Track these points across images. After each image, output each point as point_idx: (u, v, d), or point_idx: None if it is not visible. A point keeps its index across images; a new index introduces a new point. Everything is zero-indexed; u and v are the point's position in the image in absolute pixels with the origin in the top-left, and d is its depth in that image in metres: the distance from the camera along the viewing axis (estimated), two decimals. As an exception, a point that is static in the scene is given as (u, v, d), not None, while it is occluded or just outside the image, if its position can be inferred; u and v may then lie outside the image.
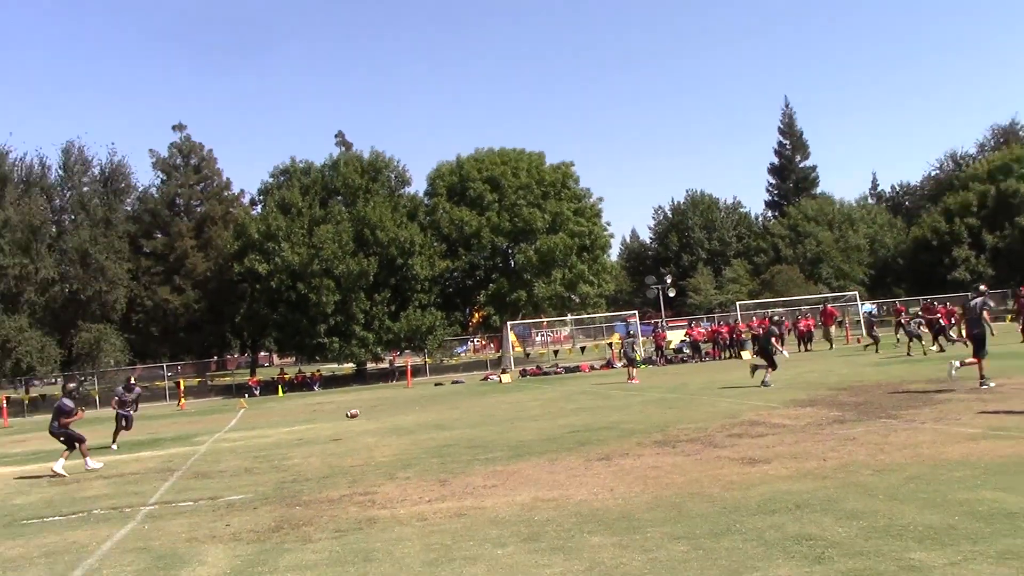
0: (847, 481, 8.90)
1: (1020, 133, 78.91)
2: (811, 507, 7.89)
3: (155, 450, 19.25)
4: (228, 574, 7.34)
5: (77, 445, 16.40)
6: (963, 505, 7.47)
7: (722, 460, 10.90)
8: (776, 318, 27.49)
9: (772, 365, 21.99)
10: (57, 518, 11.05)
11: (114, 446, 20.58)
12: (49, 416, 16.96)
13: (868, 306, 47.84)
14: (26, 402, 47.94)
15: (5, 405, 43.32)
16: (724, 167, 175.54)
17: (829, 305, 43.97)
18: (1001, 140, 79.00)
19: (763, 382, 21.28)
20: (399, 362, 53.53)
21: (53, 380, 54.55)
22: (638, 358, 36.01)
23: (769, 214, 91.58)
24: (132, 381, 23.65)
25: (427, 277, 51.55)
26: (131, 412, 21.65)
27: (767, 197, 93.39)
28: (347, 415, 23.75)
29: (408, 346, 53.50)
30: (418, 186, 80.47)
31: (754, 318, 44.20)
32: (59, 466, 15.79)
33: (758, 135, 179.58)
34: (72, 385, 18.66)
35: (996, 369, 18.27)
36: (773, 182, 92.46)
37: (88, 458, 16.50)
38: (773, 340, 22.92)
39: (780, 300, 55.04)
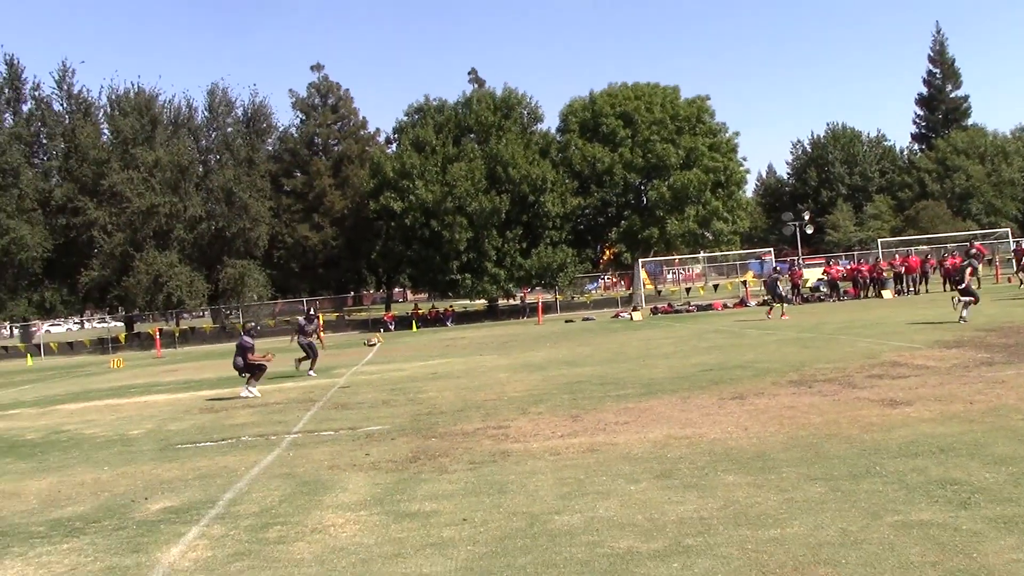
0: (996, 425, 8.55)
1: None
2: (956, 451, 7.63)
3: (297, 381, 20.01)
4: (368, 501, 7.60)
5: (258, 374, 17.67)
6: (1124, 453, 7.09)
7: (861, 401, 10.62)
8: (972, 251, 26.29)
9: (975, 298, 21.13)
10: (208, 444, 11.65)
11: (312, 372, 21.52)
12: (200, 347, 18.01)
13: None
14: (177, 334, 50.51)
15: (158, 337, 45.75)
16: (867, 99, 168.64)
17: (977, 243, 41.95)
18: None
19: (961, 318, 20.38)
20: (530, 299, 53.90)
21: (201, 313, 57.24)
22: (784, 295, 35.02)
23: (915, 147, 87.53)
24: (312, 312, 24.39)
25: (559, 214, 51.48)
26: (313, 341, 22.11)
27: (913, 129, 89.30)
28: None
29: (539, 283, 53.75)
30: (550, 123, 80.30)
31: (896, 256, 42.56)
32: (253, 390, 17.35)
33: (905, 64, 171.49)
34: (251, 324, 19.83)
35: None
36: (921, 113, 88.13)
37: (249, 386, 17.45)
38: (968, 273, 21.95)
39: (925, 237, 52.85)
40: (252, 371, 17.62)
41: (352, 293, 66.69)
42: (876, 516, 5.96)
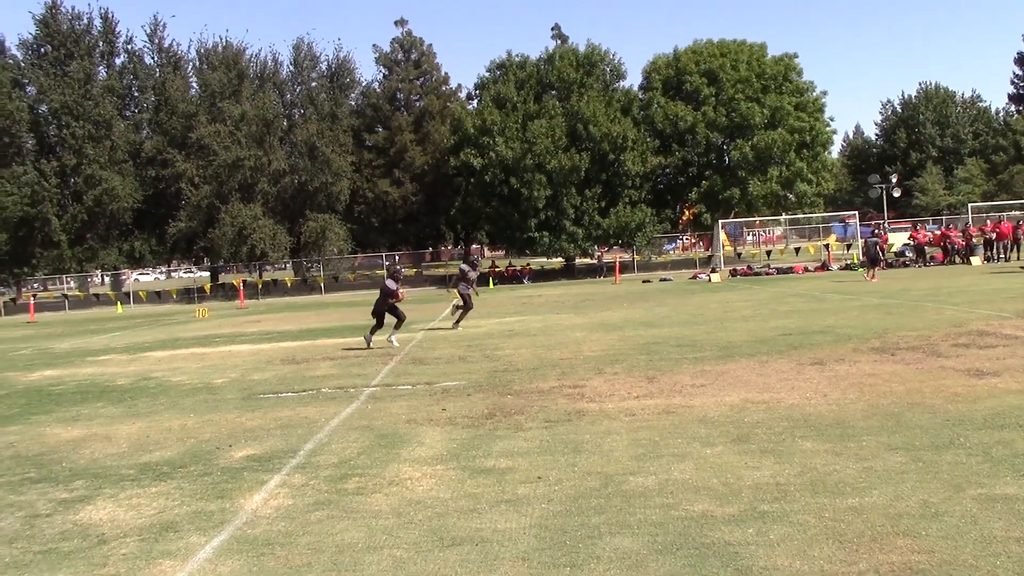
0: (1088, 399, 8.30)
1: None
2: (1045, 425, 7.43)
3: (376, 335, 20.28)
4: (445, 456, 7.71)
5: (400, 321, 17.97)
6: None
7: (946, 370, 10.38)
8: None
9: None
10: (290, 394, 11.92)
11: (459, 326, 20.65)
12: (282, 299, 18.35)
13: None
14: (259, 286, 51.59)
15: (242, 288, 46.78)
16: (963, 58, 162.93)
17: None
18: None
19: None
20: (607, 258, 53.66)
21: (283, 265, 58.32)
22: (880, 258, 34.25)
23: (1012, 109, 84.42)
24: (477, 258, 24.37)
25: (638, 173, 51.01)
26: (469, 290, 21.07)
27: (1011, 90, 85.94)
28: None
29: (616, 242, 53.45)
30: (633, 80, 79.51)
31: (988, 221, 41.25)
32: (394, 338, 17.68)
33: (1004, 21, 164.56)
34: (398, 267, 20.30)
35: None
36: (1019, 73, 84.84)
37: (395, 335, 17.81)
38: None
39: (1018, 203, 51.08)
40: (397, 316, 17.80)
41: (430, 249, 67.19)
42: (959, 488, 5.85)
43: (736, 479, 6.39)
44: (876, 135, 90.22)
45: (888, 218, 55.12)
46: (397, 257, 57.56)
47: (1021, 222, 39.78)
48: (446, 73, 64.27)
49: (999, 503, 5.51)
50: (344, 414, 10.02)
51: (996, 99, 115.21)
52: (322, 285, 51.74)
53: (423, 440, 8.40)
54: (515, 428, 8.67)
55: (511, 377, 12.13)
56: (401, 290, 18.21)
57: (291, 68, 57.83)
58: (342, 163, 53.15)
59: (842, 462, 6.66)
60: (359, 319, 25.32)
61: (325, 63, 58.60)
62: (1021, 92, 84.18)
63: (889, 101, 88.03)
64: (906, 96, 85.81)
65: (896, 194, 58.13)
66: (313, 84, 57.47)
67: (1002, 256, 37.82)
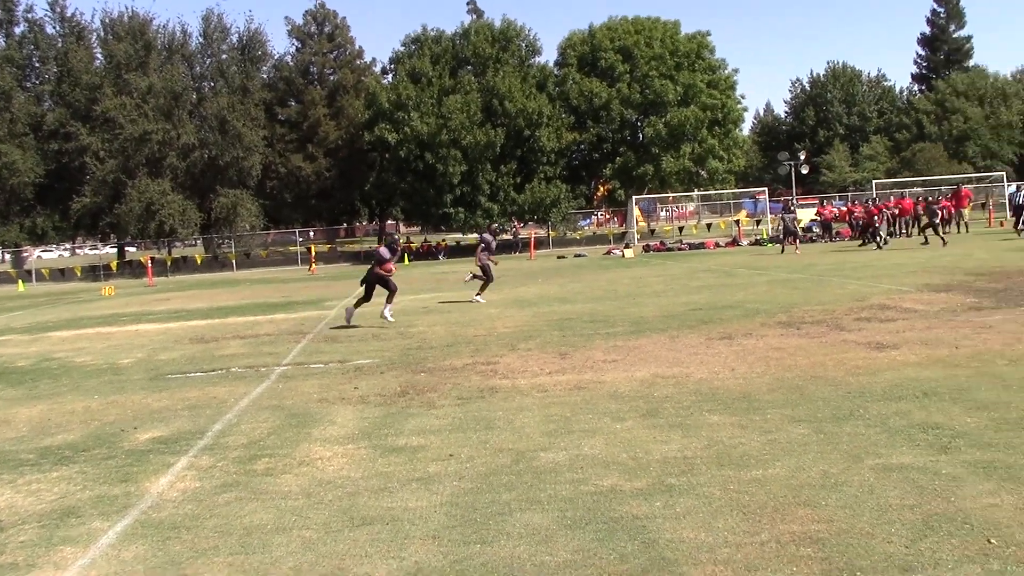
0: (980, 371, 8.62)
1: None
2: (939, 395, 7.69)
3: (288, 313, 20.05)
4: (356, 435, 7.66)
5: (393, 294, 16.48)
6: (1105, 401, 7.16)
7: (848, 344, 10.68)
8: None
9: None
10: (198, 374, 11.70)
11: (480, 298, 19.96)
12: (192, 276, 17.74)
13: (1013, 188, 45.35)
14: (168, 263, 50.45)
15: (150, 265, 45.71)
16: (869, 38, 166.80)
17: (964, 186, 41.79)
18: None
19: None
20: (523, 234, 53.85)
21: (193, 242, 57.14)
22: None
23: (915, 88, 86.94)
24: (495, 226, 23.76)
25: (553, 149, 51.23)
26: (488, 260, 20.37)
27: (914, 70, 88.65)
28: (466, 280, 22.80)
29: (532, 218, 53.68)
30: (548, 56, 79.49)
31: (891, 197, 42.46)
32: (388, 312, 16.16)
33: (909, 3, 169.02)
34: (395, 235, 18.91)
35: None
36: (922, 53, 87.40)
37: (386, 310, 16.30)
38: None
39: (920, 180, 52.72)
40: (389, 288, 16.27)
41: (345, 225, 66.52)
42: (857, 459, 6.03)
43: (645, 453, 6.49)
44: (786, 113, 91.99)
45: (796, 194, 56.31)
46: (311, 234, 56.80)
47: (921, 198, 41.02)
48: (360, 47, 63.63)
49: (895, 472, 5.70)
50: (254, 394, 9.88)
51: (900, 79, 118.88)
52: (233, 262, 50.85)
53: (335, 419, 8.33)
54: (428, 406, 8.65)
55: (424, 354, 12.10)
56: (393, 263, 16.54)
57: (200, 40, 56.44)
58: (254, 137, 52.19)
59: (747, 435, 6.81)
60: (272, 296, 25.01)
61: (236, 35, 57.45)
62: (924, 72, 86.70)
63: (798, 80, 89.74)
64: (815, 75, 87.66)
65: (804, 171, 59.48)
66: (224, 56, 56.21)
67: (904, 232, 38.94)
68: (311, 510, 5.72)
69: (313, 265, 46.35)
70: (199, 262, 50.66)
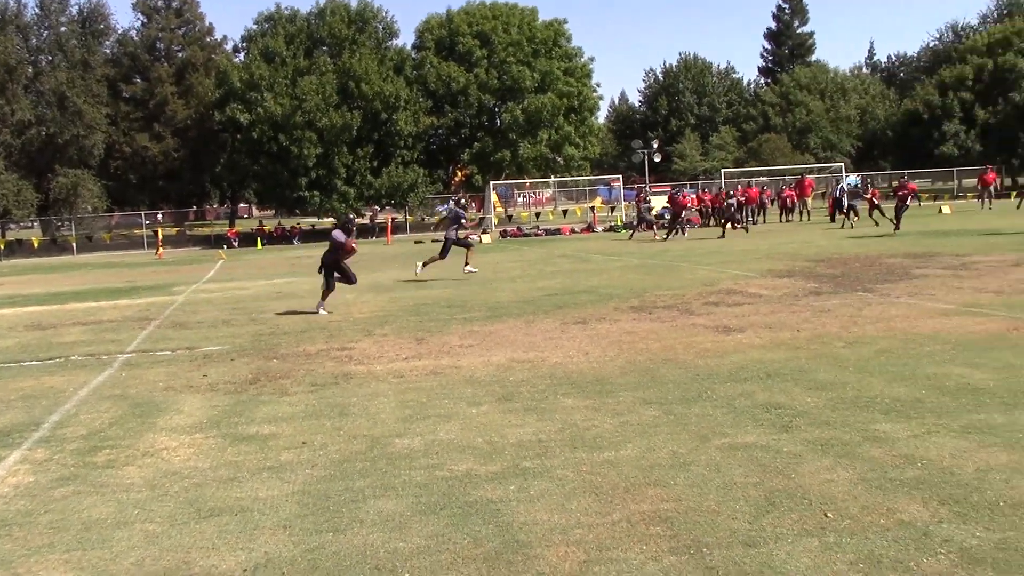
0: (819, 352, 9.01)
1: (1024, 5, 77.19)
2: (782, 376, 8.00)
3: (132, 298, 19.26)
4: (204, 423, 7.41)
5: (346, 282, 15.21)
6: (931, 379, 7.58)
7: (697, 328, 11.00)
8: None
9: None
10: (34, 363, 11.09)
11: (470, 267, 20.21)
12: (28, 260, 16.69)
13: (852, 178, 47.69)
14: (2, 246, 47.70)
15: (-18, 248, 43.14)
16: (719, 31, 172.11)
17: (807, 177, 43.69)
18: (1004, 12, 77.33)
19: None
20: (380, 218, 53.33)
21: (30, 224, 54.27)
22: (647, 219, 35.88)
23: (762, 81, 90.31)
24: (463, 199, 22.96)
25: (411, 133, 50.89)
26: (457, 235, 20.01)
27: (761, 63, 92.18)
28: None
29: (389, 202, 53.24)
30: (406, 39, 78.83)
31: (738, 186, 43.98)
32: (323, 309, 14.75)
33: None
34: (350, 216, 17.25)
35: (971, 247, 18.36)
36: (768, 48, 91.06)
37: (324, 303, 14.88)
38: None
39: (766, 169, 54.79)
40: (344, 275, 14.99)
41: (195, 207, 64.43)
42: (705, 439, 6.20)
43: (500, 437, 6.51)
44: (640, 102, 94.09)
45: (649, 182, 57.67)
46: (159, 217, 54.78)
47: (766, 187, 42.70)
48: (210, 23, 61.76)
49: (740, 451, 5.89)
50: (95, 383, 9.43)
51: (748, 72, 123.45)
52: (74, 245, 48.44)
53: (181, 408, 8.04)
54: (280, 393, 8.45)
55: (277, 340, 11.82)
56: (354, 242, 15.18)
57: (37, 11, 53.37)
58: (96, 115, 49.84)
59: (600, 417, 6.92)
60: (115, 281, 23.99)
61: (76, 7, 54.64)
62: (770, 66, 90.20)
63: (652, 70, 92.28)
64: (667, 66, 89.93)
65: (657, 159, 60.96)
66: (63, 29, 53.38)
67: (751, 219, 40.40)
68: (155, 502, 5.49)
69: (160, 249, 44.66)
70: (36, 246, 47.99)
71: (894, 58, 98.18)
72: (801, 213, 39.90)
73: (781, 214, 40.46)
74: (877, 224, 29.58)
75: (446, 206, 20.17)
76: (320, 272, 15.05)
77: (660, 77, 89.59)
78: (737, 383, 7.84)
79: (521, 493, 5.29)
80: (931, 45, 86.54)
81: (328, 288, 14.96)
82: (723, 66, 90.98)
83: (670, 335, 10.54)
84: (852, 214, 31.48)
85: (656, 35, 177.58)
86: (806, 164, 56.60)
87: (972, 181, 53.99)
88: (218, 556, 4.60)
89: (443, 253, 20.15)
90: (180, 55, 59.30)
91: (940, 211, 39.89)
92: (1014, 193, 44.82)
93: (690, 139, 77.60)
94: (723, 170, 54.15)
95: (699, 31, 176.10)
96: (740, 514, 4.78)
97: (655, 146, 60.05)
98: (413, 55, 55.44)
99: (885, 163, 68.53)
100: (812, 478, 5.30)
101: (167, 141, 54.55)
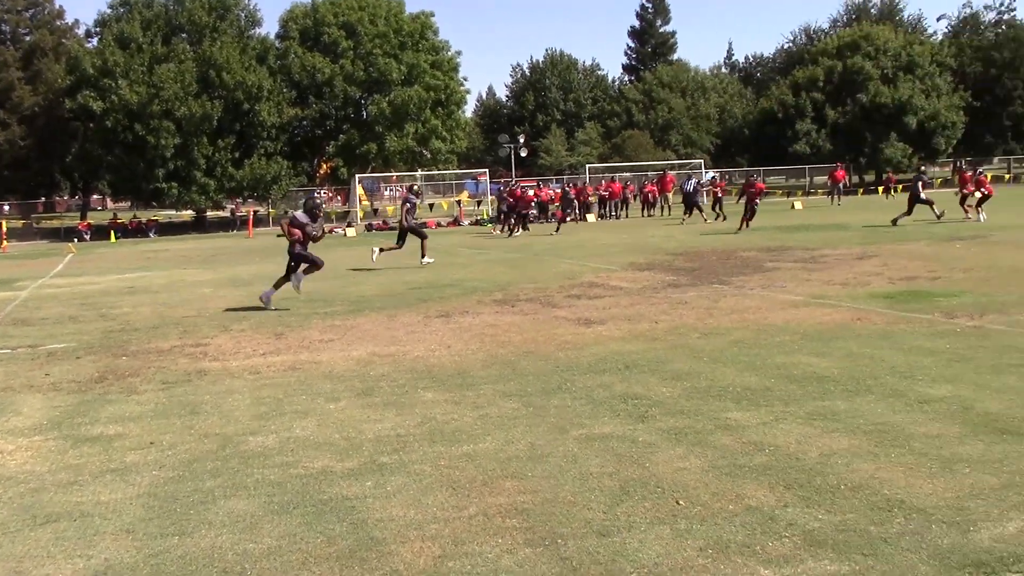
0: (675, 343, 9.21)
1: (871, 11, 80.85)
2: (639, 368, 8.13)
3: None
4: (45, 425, 7.04)
5: (309, 266, 13.79)
6: (780, 368, 7.84)
7: (559, 320, 11.10)
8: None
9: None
10: None
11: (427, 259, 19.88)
12: None
13: (711, 174, 49.07)
14: None
15: None
16: (585, 28, 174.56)
17: (669, 172, 44.81)
18: (853, 17, 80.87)
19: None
20: (241, 211, 52.00)
21: None
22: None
23: (626, 78, 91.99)
24: (415, 187, 22.12)
25: (274, 124, 49.75)
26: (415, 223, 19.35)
27: (625, 61, 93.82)
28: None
29: (251, 195, 51.96)
30: (270, 28, 76.98)
31: (602, 181, 44.73)
32: (298, 284, 13.75)
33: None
34: (316, 199, 15.23)
35: (821, 241, 19.14)
36: (632, 46, 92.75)
37: (272, 292, 13.73)
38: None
39: (629, 165, 55.86)
40: (310, 263, 13.72)
41: (43, 199, 61.45)
42: (563, 431, 6.24)
43: (358, 433, 6.40)
44: (507, 97, 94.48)
45: (516, 176, 58.04)
46: (6, 208, 52.07)
47: (629, 182, 43.58)
48: (61, 6, 59.09)
49: (597, 442, 5.94)
50: (-75, 384, 8.85)
51: (613, 69, 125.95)
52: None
53: (20, 409, 7.61)
54: (128, 391, 8.10)
55: (127, 337, 11.35)
56: (318, 228, 14.05)
57: None
58: (-68, 100, 46.95)
59: (460, 411, 6.88)
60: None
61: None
62: (633, 64, 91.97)
63: (519, 65, 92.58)
64: (534, 61, 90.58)
65: (524, 153, 61.43)
66: None
67: (614, 214, 41.21)
68: (-14, 510, 5.17)
69: (4, 242, 42.41)
70: None
71: (751, 59, 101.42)
72: (662, 208, 40.85)
73: (643, 209, 41.33)
74: (721, 218, 30.57)
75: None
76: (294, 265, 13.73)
77: (527, 73, 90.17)
78: (596, 374, 7.94)
79: (377, 489, 5.21)
80: (785, 47, 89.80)
81: (286, 279, 13.76)
82: (589, 63, 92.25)
83: (532, 328, 10.60)
84: (696, 209, 32.15)
85: (523, 31, 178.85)
86: (668, 160, 58.01)
87: (823, 178, 56.38)
88: (53, 565, 4.36)
89: (420, 234, 20.21)
90: (28, 39, 56.42)
91: (793, 207, 41.50)
92: (881, 188, 46.98)
93: (556, 134, 78.36)
94: (588, 165, 54.97)
95: (566, 28, 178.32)
96: (595, 504, 4.82)
97: (521, 140, 60.47)
98: (277, 45, 54.18)
99: (742, 160, 70.72)
100: (665, 467, 5.40)
101: (13, 129, 51.80)
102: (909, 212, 24.92)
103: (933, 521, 4.38)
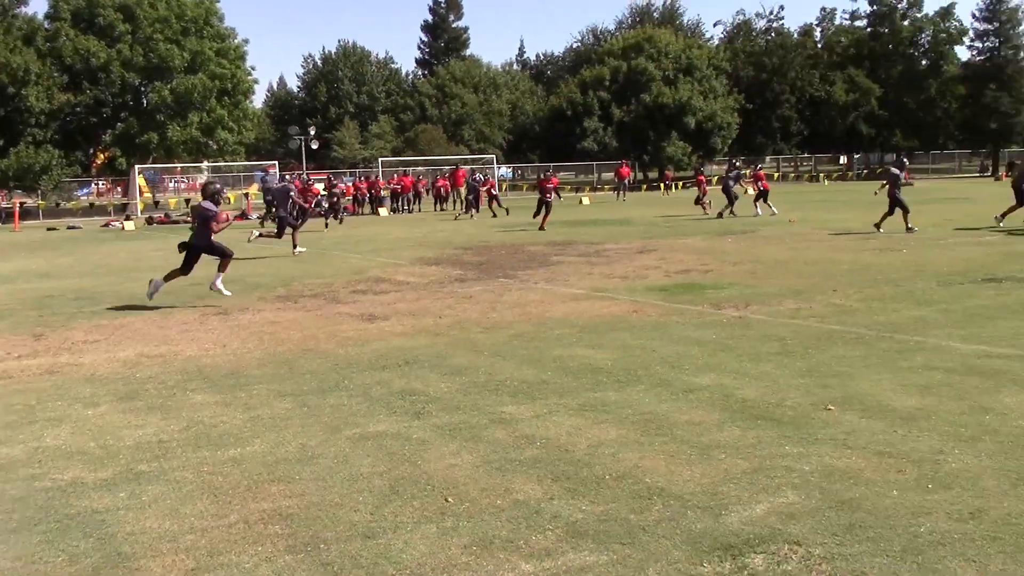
0: (458, 338, 9.22)
1: (654, 14, 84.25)
2: (420, 363, 8.08)
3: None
4: None
5: (225, 260, 12.66)
6: (557, 361, 7.98)
7: (342, 316, 10.90)
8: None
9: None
10: None
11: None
12: None
13: (505, 170, 49.80)
14: None
15: None
16: (379, 21, 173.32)
17: (461, 167, 45.08)
18: (637, 19, 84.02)
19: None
20: (6, 203, 48.39)
21: None
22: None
23: (419, 72, 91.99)
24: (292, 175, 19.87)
25: (43, 111, 46.56)
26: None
27: (418, 55, 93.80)
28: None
29: (18, 186, 48.43)
30: (37, 7, 72.01)
31: (394, 175, 44.50)
32: (219, 284, 12.53)
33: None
34: (216, 185, 13.77)
35: (605, 235, 19.74)
36: (426, 40, 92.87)
37: (218, 280, 12.61)
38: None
39: (422, 159, 55.86)
40: (220, 254, 12.59)
41: None
42: (336, 430, 6.10)
43: (116, 440, 6.02)
44: (299, 88, 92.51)
45: (308, 169, 56.88)
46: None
47: (422, 176, 43.59)
48: None
49: (370, 440, 5.84)
50: None
51: (406, 63, 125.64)
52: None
53: None
54: None
55: None
56: (223, 214, 12.91)
57: None
58: None
59: (230, 413, 6.61)
60: None
61: None
62: (427, 58, 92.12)
63: (311, 56, 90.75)
64: (327, 52, 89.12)
65: (315, 146, 60.30)
66: None
67: (406, 208, 41.08)
68: None
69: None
70: None
71: (542, 57, 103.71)
72: (455, 202, 41.04)
73: (435, 203, 41.39)
74: (495, 216, 31.08)
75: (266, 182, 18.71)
76: (181, 251, 12.59)
77: (319, 64, 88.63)
78: (376, 371, 7.82)
79: (132, 500, 4.90)
80: (574, 46, 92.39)
81: (182, 271, 12.55)
82: (382, 56, 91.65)
83: (314, 324, 10.37)
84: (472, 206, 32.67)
85: (315, 21, 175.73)
86: (461, 155, 58.39)
87: (610, 174, 58.33)
88: None
89: (280, 232, 19.75)
90: None
91: (580, 202, 42.72)
92: (662, 185, 48.74)
93: (349, 127, 77.41)
94: (381, 159, 54.59)
95: (359, 20, 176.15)
96: (363, 505, 4.71)
97: (312, 133, 59.33)
98: (46, 25, 50.70)
99: (534, 156, 72.16)
100: (437, 464, 5.35)
101: None
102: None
103: (689, 507, 4.54)
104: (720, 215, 26.86)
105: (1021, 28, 70.67)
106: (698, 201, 30.35)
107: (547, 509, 4.58)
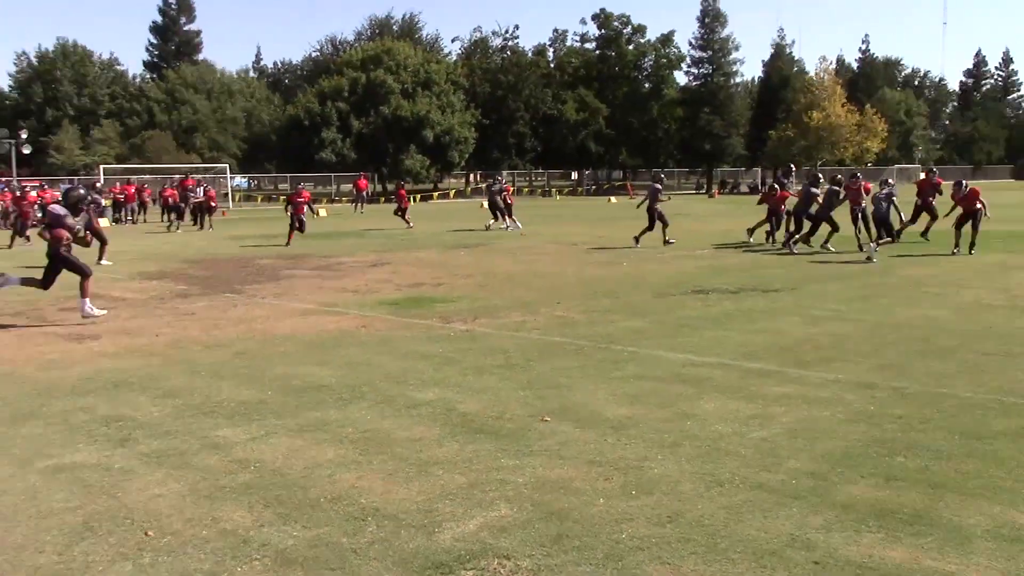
0: (175, 358, 8.76)
1: (393, 27, 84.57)
2: (130, 386, 7.60)
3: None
4: None
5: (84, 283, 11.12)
6: (279, 380, 7.75)
7: (47, 336, 10.10)
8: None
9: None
10: None
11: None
12: None
13: (240, 180, 48.22)
14: None
15: None
16: (103, 20, 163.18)
17: (191, 177, 43.18)
18: (376, 31, 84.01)
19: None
20: None
21: None
22: None
23: (147, 76, 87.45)
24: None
25: None
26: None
27: (147, 58, 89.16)
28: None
29: None
30: None
31: (117, 184, 41.99)
32: (88, 305, 11.07)
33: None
34: (81, 191, 11.90)
35: (340, 248, 19.50)
36: (155, 42, 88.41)
37: (87, 300, 11.09)
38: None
39: (150, 167, 53.10)
40: (77, 270, 11.05)
41: None
42: (27, 463, 5.60)
43: None
44: (10, 87, 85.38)
45: (22, 176, 52.56)
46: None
47: (146, 185, 41.40)
48: None
49: (65, 472, 5.41)
50: None
51: (134, 65, 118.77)
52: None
53: None
54: None
55: None
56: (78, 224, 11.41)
57: None
58: None
59: (-99, 449, 5.92)
60: None
61: None
62: (156, 61, 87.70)
63: (25, 53, 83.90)
64: (43, 50, 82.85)
65: (27, 151, 55.78)
66: None
67: (130, 219, 38.82)
68: None
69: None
70: None
71: (280, 64, 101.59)
72: (183, 214, 39.25)
73: (163, 213, 39.39)
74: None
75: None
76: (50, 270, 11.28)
77: (35, 61, 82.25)
78: (79, 396, 7.27)
79: None
80: (313, 55, 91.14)
81: (42, 283, 11.34)
82: (107, 57, 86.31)
83: (15, 345, 9.54)
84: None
85: (30, 16, 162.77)
86: (192, 164, 56.01)
87: (350, 186, 57.90)
88: None
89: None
90: None
91: (317, 214, 42.06)
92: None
93: (68, 131, 72.31)
94: (103, 166, 51.42)
95: (80, 17, 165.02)
96: (50, 545, 4.34)
97: (24, 136, 54.89)
98: None
99: (271, 166, 70.51)
100: (140, 495, 5.03)
101: None
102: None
103: (403, 526, 4.51)
104: (487, 227, 27.52)
105: (731, 57, 76.73)
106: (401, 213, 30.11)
107: (256, 537, 4.40)
